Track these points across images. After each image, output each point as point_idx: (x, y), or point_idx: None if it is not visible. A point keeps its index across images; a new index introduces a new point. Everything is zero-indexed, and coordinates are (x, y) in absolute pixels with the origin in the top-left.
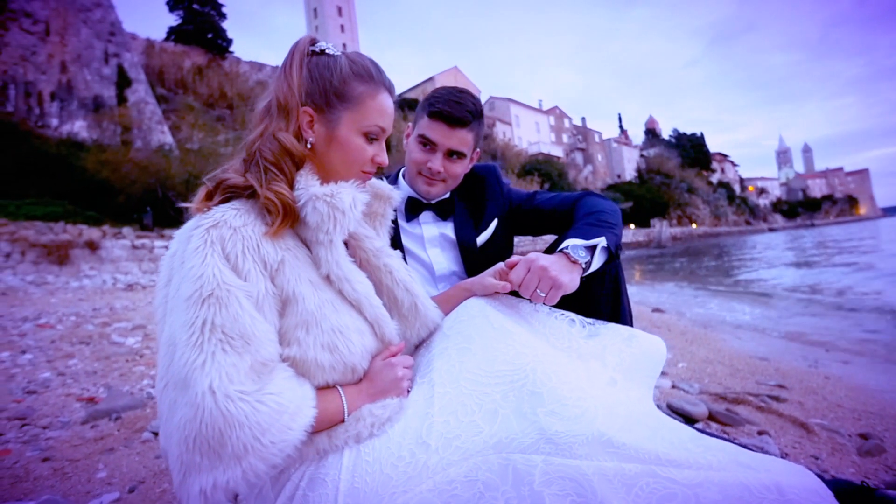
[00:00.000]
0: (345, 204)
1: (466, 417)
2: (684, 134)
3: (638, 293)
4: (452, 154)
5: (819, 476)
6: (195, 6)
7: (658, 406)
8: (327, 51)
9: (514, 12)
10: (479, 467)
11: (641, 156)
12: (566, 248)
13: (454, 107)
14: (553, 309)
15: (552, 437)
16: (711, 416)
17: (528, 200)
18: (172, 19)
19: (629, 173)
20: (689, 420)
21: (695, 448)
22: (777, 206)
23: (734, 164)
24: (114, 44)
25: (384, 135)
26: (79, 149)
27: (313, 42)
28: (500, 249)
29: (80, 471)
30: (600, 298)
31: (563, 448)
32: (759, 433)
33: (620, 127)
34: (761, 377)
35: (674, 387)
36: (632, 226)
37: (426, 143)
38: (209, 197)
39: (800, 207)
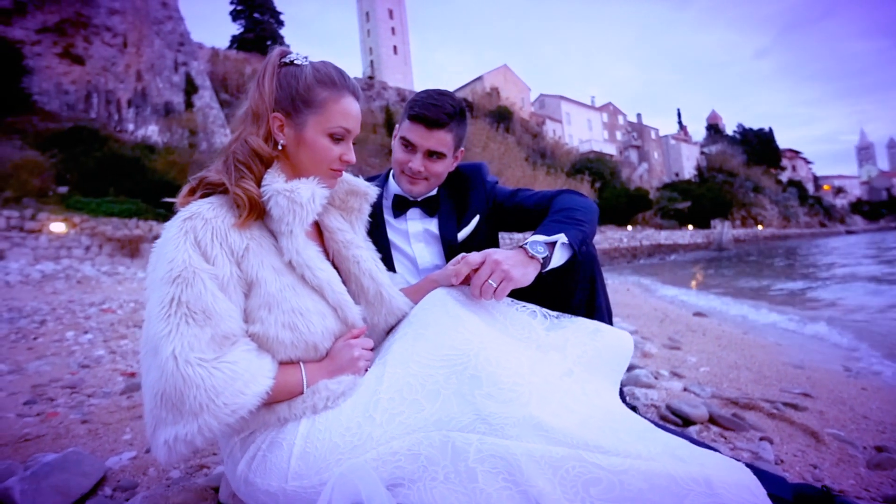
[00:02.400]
0: (303, 198)
1: (410, 396)
2: (750, 129)
3: (682, 297)
4: (432, 154)
5: (782, 479)
6: (256, 15)
7: (657, 407)
8: (296, 61)
9: (567, 7)
10: (422, 442)
11: (702, 153)
12: (525, 243)
13: (431, 109)
14: (515, 301)
15: (486, 418)
16: (712, 420)
17: (510, 198)
18: (235, 28)
19: (688, 171)
20: (686, 422)
21: (627, 437)
22: (857, 207)
23: (807, 162)
24: (183, 53)
25: (350, 135)
26: (151, 151)
27: (283, 55)
28: (482, 245)
29: (111, 432)
30: (574, 293)
31: (496, 428)
32: (761, 439)
33: (679, 123)
34: (787, 385)
35: (685, 389)
36: (689, 227)
37: (407, 145)
38: (192, 193)
39: (883, 208)
